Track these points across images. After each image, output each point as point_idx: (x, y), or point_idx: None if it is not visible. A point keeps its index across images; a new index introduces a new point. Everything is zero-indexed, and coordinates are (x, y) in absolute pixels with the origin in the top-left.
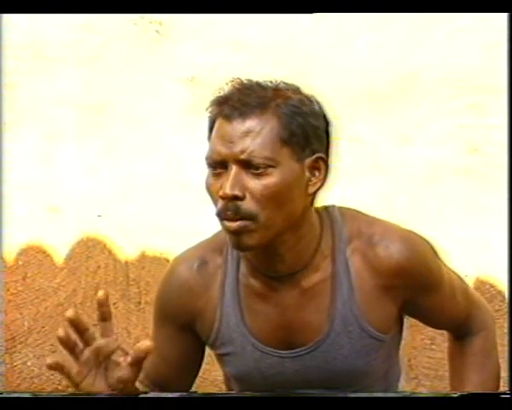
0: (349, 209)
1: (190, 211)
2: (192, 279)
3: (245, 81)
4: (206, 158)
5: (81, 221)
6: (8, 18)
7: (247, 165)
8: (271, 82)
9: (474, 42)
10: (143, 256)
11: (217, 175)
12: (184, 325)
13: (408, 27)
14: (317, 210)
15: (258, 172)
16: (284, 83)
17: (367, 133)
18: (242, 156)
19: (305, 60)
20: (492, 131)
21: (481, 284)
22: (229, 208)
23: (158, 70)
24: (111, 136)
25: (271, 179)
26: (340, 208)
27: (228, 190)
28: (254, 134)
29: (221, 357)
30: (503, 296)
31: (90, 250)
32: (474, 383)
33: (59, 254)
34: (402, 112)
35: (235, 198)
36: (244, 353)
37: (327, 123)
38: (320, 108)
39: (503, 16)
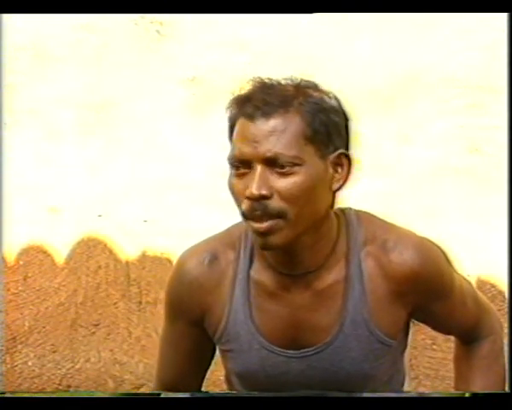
0: (365, 213)
1: (190, 211)
2: (202, 275)
3: (265, 80)
4: (229, 158)
5: (81, 221)
6: (8, 18)
7: (272, 164)
8: (291, 80)
9: (474, 42)
10: (144, 256)
11: (240, 175)
12: (196, 321)
13: (408, 27)
14: (335, 212)
15: (284, 170)
16: (303, 80)
17: (367, 133)
18: (268, 155)
19: (305, 60)
20: (492, 131)
21: (482, 284)
22: (257, 208)
23: (158, 70)
24: (111, 136)
25: (298, 177)
26: (357, 211)
27: (255, 190)
28: (279, 133)
29: (226, 353)
30: (504, 296)
31: (90, 250)
32: (479, 387)
33: (59, 254)
34: (402, 112)
35: (263, 198)
36: (250, 350)
37: (346, 119)
38: (339, 104)
39: (503, 16)
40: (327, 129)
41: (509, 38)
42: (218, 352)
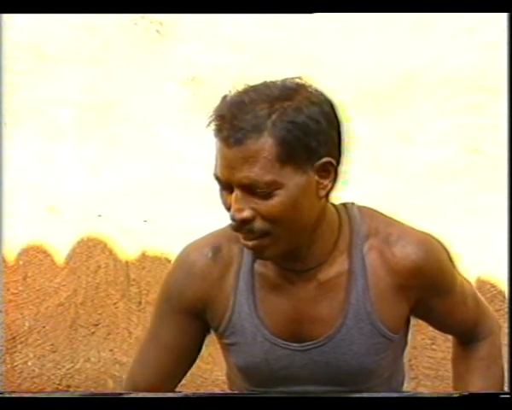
0: (368, 208)
1: (190, 211)
2: (206, 267)
3: (240, 94)
4: (214, 174)
5: (81, 221)
6: (8, 18)
7: (249, 189)
8: (267, 92)
9: (474, 42)
10: (144, 256)
11: (227, 190)
12: (196, 314)
13: (408, 27)
14: (336, 207)
15: (264, 193)
16: (283, 86)
17: (367, 133)
18: (244, 181)
19: (305, 60)
20: (492, 131)
21: (482, 284)
22: (242, 229)
23: (158, 70)
24: (111, 136)
25: (277, 199)
26: (359, 206)
27: (235, 215)
28: (253, 160)
29: (229, 347)
30: (504, 296)
31: (90, 250)
32: (477, 389)
33: (59, 254)
34: (402, 112)
35: (245, 221)
36: (254, 343)
37: (333, 120)
38: (323, 106)
39: (503, 16)
40: (304, 144)
41: (509, 38)
42: (219, 351)
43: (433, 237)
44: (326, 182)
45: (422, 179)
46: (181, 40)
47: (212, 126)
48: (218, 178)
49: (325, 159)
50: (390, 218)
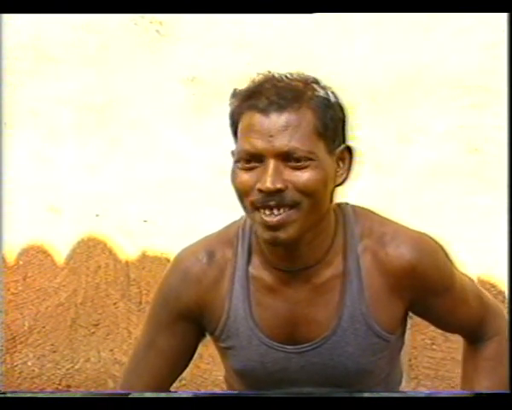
0: (362, 208)
1: (190, 211)
2: (201, 272)
3: (271, 74)
4: (238, 152)
5: (81, 221)
6: (8, 18)
7: (286, 158)
8: (292, 74)
9: (474, 42)
10: (144, 256)
11: (249, 169)
12: (192, 319)
13: (408, 27)
14: (332, 207)
15: (299, 164)
16: (300, 74)
17: (367, 133)
18: (285, 149)
19: (305, 60)
20: (492, 131)
21: (482, 284)
22: (272, 200)
23: (158, 70)
24: (111, 136)
25: (312, 172)
26: (354, 206)
27: (270, 183)
28: (293, 128)
29: (225, 350)
30: (504, 296)
31: (90, 250)
32: (484, 389)
33: (59, 254)
34: (402, 112)
35: (278, 191)
36: (250, 347)
37: (345, 114)
38: (337, 98)
39: (503, 16)
40: (335, 124)
41: (509, 38)
42: (217, 352)
43: (428, 236)
44: (341, 170)
45: (422, 179)
46: (181, 40)
47: (235, 104)
48: (246, 153)
49: (345, 144)
50: (384, 217)
